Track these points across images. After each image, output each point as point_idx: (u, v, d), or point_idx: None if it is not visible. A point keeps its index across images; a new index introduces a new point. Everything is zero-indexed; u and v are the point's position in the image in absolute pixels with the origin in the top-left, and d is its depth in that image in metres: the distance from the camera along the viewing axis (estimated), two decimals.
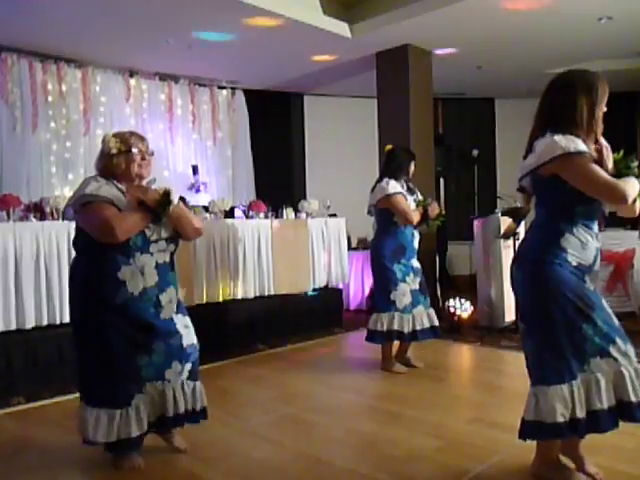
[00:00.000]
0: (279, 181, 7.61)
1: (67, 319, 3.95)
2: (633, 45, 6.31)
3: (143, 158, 2.52)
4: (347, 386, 3.82)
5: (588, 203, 2.13)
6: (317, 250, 5.64)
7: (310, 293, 5.54)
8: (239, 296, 5.02)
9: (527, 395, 2.23)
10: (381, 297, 3.98)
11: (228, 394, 3.56)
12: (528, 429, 2.20)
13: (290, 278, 5.36)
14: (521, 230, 5.47)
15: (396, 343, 4.06)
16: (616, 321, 2.18)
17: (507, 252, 5.37)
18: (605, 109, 2.19)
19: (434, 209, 4.03)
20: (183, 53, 6.04)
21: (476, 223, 5.69)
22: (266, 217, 5.33)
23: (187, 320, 2.64)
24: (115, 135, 2.51)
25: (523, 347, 2.31)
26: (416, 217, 3.90)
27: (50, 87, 5.93)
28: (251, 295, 5.10)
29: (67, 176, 6.03)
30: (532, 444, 2.41)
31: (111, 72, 6.45)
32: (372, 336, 3.98)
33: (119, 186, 2.48)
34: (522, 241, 2.32)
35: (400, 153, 4.05)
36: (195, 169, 6.83)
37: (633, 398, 2.08)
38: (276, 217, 5.49)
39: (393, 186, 3.86)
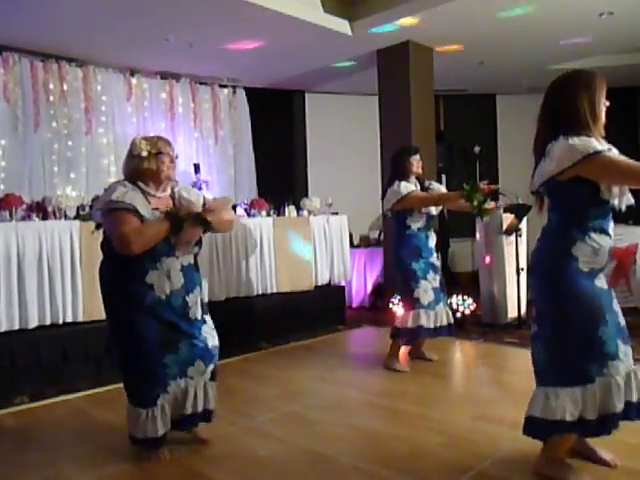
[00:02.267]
0: (281, 179, 7.60)
1: (70, 318, 3.97)
2: (634, 40, 6.30)
3: (172, 161, 2.61)
4: (350, 383, 3.83)
5: (601, 204, 2.15)
6: (319, 248, 5.64)
7: (312, 290, 5.53)
8: (242, 294, 5.03)
9: (533, 393, 2.26)
10: (405, 296, 4.02)
11: (232, 392, 3.57)
12: (533, 425, 2.22)
13: (292, 276, 5.37)
14: (523, 226, 5.47)
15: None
16: (622, 321, 2.23)
17: (509, 249, 5.36)
18: (607, 103, 2.20)
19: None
20: (184, 51, 6.04)
21: (478, 219, 5.67)
22: (268, 215, 5.33)
23: (211, 322, 2.73)
24: (144, 138, 2.60)
25: (532, 348, 2.33)
26: (441, 198, 3.95)
27: (52, 86, 5.92)
28: (253, 293, 5.11)
29: (69, 175, 6.03)
30: (536, 442, 2.41)
31: (112, 71, 6.44)
32: (398, 333, 4.02)
33: (146, 190, 2.54)
34: (535, 248, 2.34)
35: (399, 154, 4.07)
36: (197, 167, 6.82)
37: (634, 398, 2.15)
38: (278, 215, 5.50)
39: (405, 186, 3.89)
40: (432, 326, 3.94)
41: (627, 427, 2.38)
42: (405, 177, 3.95)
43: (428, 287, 3.94)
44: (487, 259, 5.52)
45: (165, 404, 2.56)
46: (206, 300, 2.83)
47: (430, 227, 4.05)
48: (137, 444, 2.64)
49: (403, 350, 4.19)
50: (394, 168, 4.04)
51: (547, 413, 2.17)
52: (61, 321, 3.95)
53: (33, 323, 3.82)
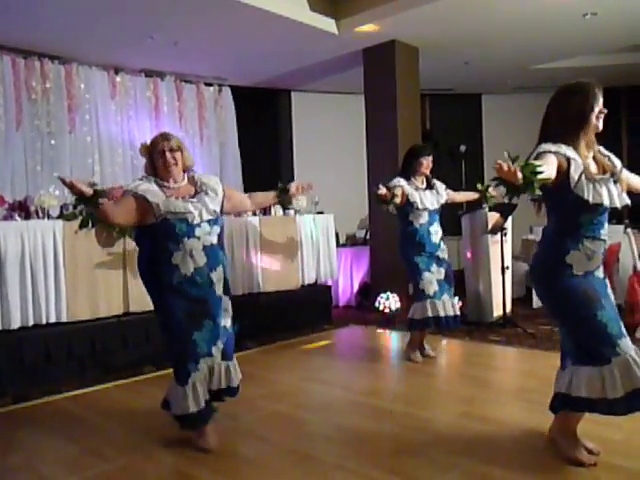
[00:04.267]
0: (267, 178, 7.50)
1: (53, 319, 3.92)
2: (617, 41, 6.37)
3: (164, 155, 2.70)
4: (336, 382, 3.83)
5: (591, 211, 2.26)
6: (306, 247, 5.63)
7: (298, 290, 5.52)
8: None
9: (560, 373, 2.42)
10: (413, 288, 4.19)
11: None
12: (559, 401, 2.38)
13: (279, 275, 5.36)
14: (508, 225, 5.51)
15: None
16: (614, 306, 2.38)
17: (495, 247, 5.39)
18: (605, 111, 2.29)
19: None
20: (169, 50, 6.00)
21: (464, 218, 5.70)
22: (254, 214, 5.31)
23: (228, 302, 2.85)
24: (148, 142, 2.78)
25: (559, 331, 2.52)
26: (399, 200, 3.97)
27: (34, 84, 5.85)
28: (239, 293, 5.09)
29: (52, 174, 5.95)
30: (521, 439, 2.44)
31: (96, 69, 6.38)
32: (410, 324, 4.15)
33: (161, 183, 2.72)
34: (534, 254, 2.49)
35: (412, 153, 4.18)
36: None
37: None
38: (264, 214, 5.48)
39: (396, 181, 4.03)
40: (439, 314, 4.05)
41: (614, 423, 2.42)
42: (412, 175, 4.08)
43: (432, 278, 4.06)
44: (468, 254, 5.56)
45: (197, 382, 2.67)
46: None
47: (433, 222, 4.12)
48: (179, 421, 2.74)
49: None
50: (404, 165, 4.18)
51: (569, 389, 2.30)
52: (44, 321, 3.89)
53: (15, 324, 3.77)
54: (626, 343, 2.25)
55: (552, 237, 2.37)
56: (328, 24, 5.65)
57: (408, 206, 4.03)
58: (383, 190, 3.79)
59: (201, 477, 2.46)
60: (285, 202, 3.22)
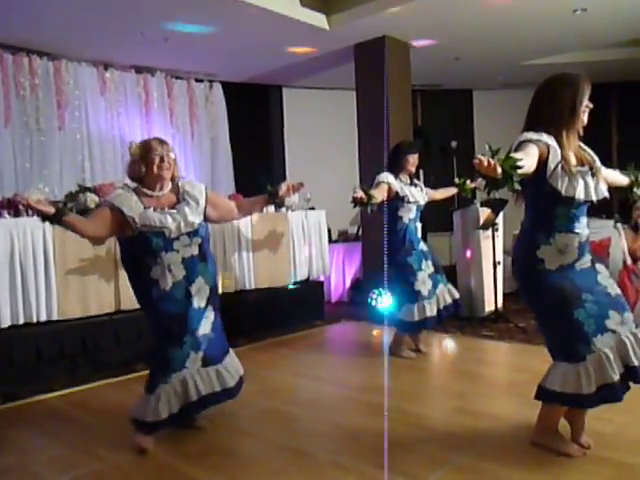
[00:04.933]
0: (259, 174, 7.55)
1: (44, 317, 3.90)
2: (607, 37, 6.39)
3: (162, 161, 2.66)
4: (329, 378, 3.83)
5: (565, 203, 2.26)
6: (297, 243, 5.63)
7: (291, 286, 5.52)
8: (220, 291, 4.99)
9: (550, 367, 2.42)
10: (405, 289, 4.06)
11: None
12: (538, 392, 2.42)
13: (271, 271, 5.35)
14: (500, 221, 5.53)
15: None
16: (612, 292, 2.35)
17: (486, 243, 5.41)
18: (591, 105, 2.30)
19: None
20: (159, 45, 5.95)
21: (455, 214, 5.72)
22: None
23: (209, 311, 2.79)
24: (140, 142, 2.72)
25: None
26: (381, 196, 3.92)
27: (22, 80, 5.80)
28: (232, 289, 5.08)
29: (42, 171, 5.91)
30: (512, 433, 2.45)
31: (85, 65, 6.32)
32: (405, 327, 4.09)
33: (142, 190, 2.68)
34: (514, 247, 2.54)
35: (398, 149, 4.17)
36: None
37: (636, 362, 2.25)
38: None
39: (383, 176, 4.00)
40: (435, 313, 4.03)
41: (604, 417, 2.44)
42: (393, 172, 4.04)
43: (425, 276, 4.04)
44: (468, 253, 5.56)
45: (162, 394, 2.64)
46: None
47: (417, 219, 4.15)
48: (132, 423, 2.72)
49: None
50: (390, 161, 4.16)
51: (550, 384, 2.35)
52: (35, 320, 3.87)
53: (6, 322, 3.74)
54: (602, 340, 2.25)
55: (526, 231, 2.41)
56: (319, 19, 5.63)
57: (398, 201, 4.01)
58: (358, 194, 3.71)
59: (194, 475, 2.46)
60: (277, 204, 3.15)
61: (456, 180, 4.37)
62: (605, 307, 2.29)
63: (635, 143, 7.67)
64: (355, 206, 3.84)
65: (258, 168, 7.53)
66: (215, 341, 2.80)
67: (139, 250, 2.64)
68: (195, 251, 2.72)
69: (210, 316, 2.80)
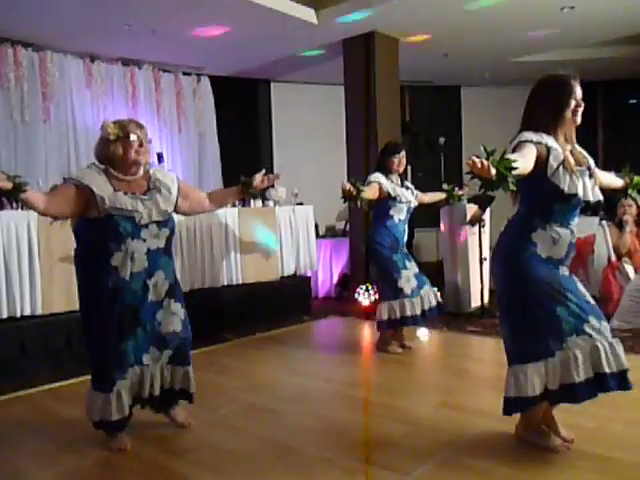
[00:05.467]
0: (246, 169, 7.40)
1: (28, 311, 3.86)
2: (594, 35, 6.44)
3: (141, 145, 2.55)
4: (316, 374, 3.83)
5: (565, 200, 2.29)
6: (285, 238, 5.62)
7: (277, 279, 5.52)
8: (206, 285, 4.98)
9: (506, 375, 2.41)
10: (388, 286, 4.08)
11: (196, 384, 3.50)
12: (511, 405, 2.40)
13: (257, 266, 5.34)
14: (486, 217, 5.56)
15: None
16: (591, 301, 2.37)
17: (473, 239, 5.44)
18: (582, 105, 2.31)
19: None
20: (146, 38, 5.90)
21: (443, 210, 5.74)
22: (233, 205, 5.28)
23: (177, 307, 2.70)
24: (114, 122, 2.56)
25: (502, 331, 2.51)
26: (372, 194, 3.96)
27: (7, 72, 5.71)
28: (218, 284, 5.06)
29: (27, 164, 5.84)
30: (497, 429, 2.46)
31: (71, 56, 6.25)
32: (386, 324, 4.08)
33: (113, 173, 2.55)
34: (499, 237, 2.50)
35: (383, 151, 4.21)
36: (160, 157, 6.68)
37: (607, 369, 2.25)
38: (243, 205, 5.45)
39: (374, 176, 4.04)
40: (418, 312, 4.04)
41: (587, 411, 2.46)
42: (382, 171, 4.07)
43: (410, 275, 4.06)
44: (462, 236, 5.53)
45: (122, 390, 2.57)
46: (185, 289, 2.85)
47: (407, 220, 4.16)
48: (96, 427, 2.64)
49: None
50: (378, 163, 4.19)
51: (519, 391, 2.33)
52: (19, 314, 3.83)
53: None
54: (574, 341, 2.26)
55: (521, 217, 2.40)
56: (308, 14, 5.61)
57: (390, 200, 4.03)
58: (346, 185, 3.71)
59: (180, 470, 2.45)
60: (252, 195, 3.04)
61: (444, 186, 4.44)
62: (586, 311, 2.31)
63: (621, 141, 7.75)
64: (345, 201, 3.84)
65: (246, 162, 7.51)
66: (183, 342, 2.74)
67: (102, 234, 2.49)
68: (162, 244, 2.62)
69: (178, 313, 2.70)
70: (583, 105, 2.32)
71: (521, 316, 2.35)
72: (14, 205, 3.93)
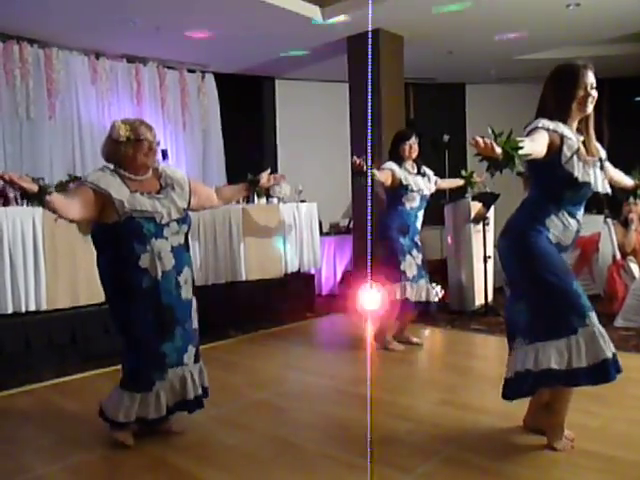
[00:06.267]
0: (250, 166, 7.40)
1: (33, 307, 3.88)
2: (600, 32, 6.40)
3: (150, 148, 2.55)
4: (319, 371, 3.84)
5: (576, 189, 2.30)
6: (289, 236, 5.62)
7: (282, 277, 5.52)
8: (210, 282, 4.99)
9: (513, 354, 2.39)
10: (391, 269, 4.10)
11: None
12: (519, 381, 2.34)
13: (262, 263, 5.34)
14: (491, 215, 5.55)
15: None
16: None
17: (477, 237, 5.43)
18: (594, 94, 2.30)
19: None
20: (151, 35, 5.90)
21: (447, 208, 5.73)
22: (237, 202, 5.28)
23: (194, 303, 2.74)
24: (125, 122, 2.54)
25: (507, 310, 2.51)
26: (384, 178, 3.99)
27: (12, 68, 5.73)
28: (222, 281, 5.07)
29: (32, 161, 5.86)
30: (501, 426, 2.46)
31: (76, 53, 6.26)
32: (390, 306, 4.12)
33: (124, 174, 2.53)
34: (511, 216, 2.48)
35: (394, 139, 4.24)
36: (164, 154, 6.68)
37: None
38: (247, 202, 5.45)
39: (388, 164, 4.10)
40: (417, 299, 4.07)
41: (591, 410, 2.46)
42: (395, 160, 4.11)
43: (412, 262, 4.09)
44: (449, 239, 5.55)
45: (161, 391, 2.58)
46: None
47: (421, 208, 4.17)
48: (116, 427, 2.62)
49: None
50: (391, 152, 4.22)
51: (536, 365, 2.28)
52: (24, 310, 3.85)
53: None
54: (594, 317, 2.27)
55: (534, 201, 2.40)
56: (312, 11, 5.60)
57: (402, 189, 4.06)
58: (357, 159, 3.73)
59: (185, 466, 2.46)
60: (257, 193, 3.13)
61: (463, 172, 4.44)
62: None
63: (627, 139, 7.71)
64: (354, 175, 3.90)
65: (250, 160, 7.52)
66: (198, 336, 2.76)
67: (126, 237, 2.48)
68: (182, 240, 2.64)
69: (194, 309, 2.74)
70: (594, 94, 2.30)
71: (539, 294, 2.32)
72: (19, 201, 3.98)
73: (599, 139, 2.44)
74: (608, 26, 6.15)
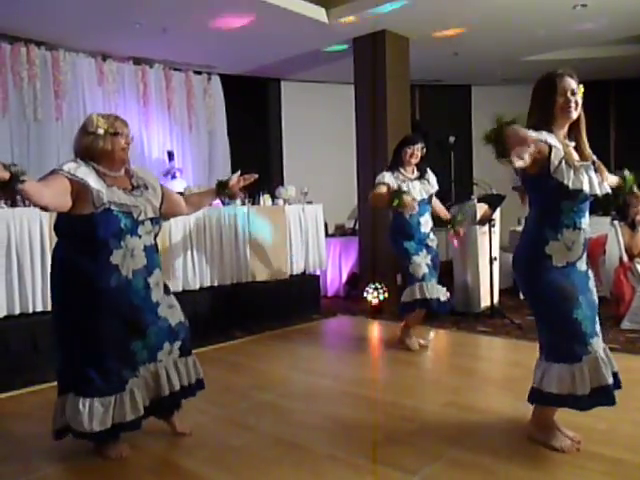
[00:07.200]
0: (256, 167, 7.37)
1: (40, 307, 3.89)
2: (607, 33, 6.38)
3: (127, 143, 2.50)
4: (324, 372, 3.84)
5: (571, 197, 2.28)
6: (294, 237, 5.63)
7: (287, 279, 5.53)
8: (216, 283, 5.00)
9: (537, 363, 2.47)
10: (405, 273, 4.26)
11: (206, 382, 3.54)
12: (534, 395, 2.45)
13: (267, 265, 5.35)
14: (497, 217, 5.53)
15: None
16: (596, 300, 2.44)
17: (483, 239, 5.42)
18: (575, 100, 2.28)
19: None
20: (157, 37, 5.93)
21: (453, 210, 5.71)
22: (243, 204, 5.30)
23: (172, 299, 2.66)
24: (102, 116, 2.47)
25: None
26: (377, 199, 4.00)
27: (20, 70, 5.77)
28: (228, 282, 5.08)
29: (39, 162, 5.89)
30: (506, 429, 2.45)
31: (83, 55, 6.29)
32: (401, 308, 4.19)
33: (98, 168, 2.44)
34: (517, 245, 2.52)
35: (398, 144, 4.23)
36: (171, 155, 6.73)
37: (616, 367, 2.37)
38: (253, 204, 5.46)
39: (380, 177, 4.08)
40: (427, 297, 4.06)
41: (597, 414, 2.45)
42: (400, 166, 4.12)
43: (421, 262, 4.11)
44: (455, 242, 5.52)
45: (134, 388, 2.48)
46: (181, 288, 2.80)
47: (423, 212, 4.14)
48: (101, 442, 2.52)
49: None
50: (393, 156, 4.24)
51: (542, 385, 2.39)
52: (31, 310, 3.87)
53: (2, 312, 3.74)
54: (597, 342, 2.33)
55: (533, 227, 2.41)
56: (318, 13, 5.61)
57: None
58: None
59: (191, 467, 2.46)
60: (228, 196, 2.95)
61: (453, 211, 4.70)
62: (594, 312, 2.38)
63: (634, 141, 7.68)
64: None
65: (255, 161, 7.54)
66: (186, 330, 2.67)
67: (100, 231, 2.37)
68: (153, 240, 2.58)
69: (174, 304, 2.65)
70: (575, 100, 2.28)
71: (544, 321, 2.43)
72: (26, 202, 3.99)
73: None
74: (615, 27, 6.13)
